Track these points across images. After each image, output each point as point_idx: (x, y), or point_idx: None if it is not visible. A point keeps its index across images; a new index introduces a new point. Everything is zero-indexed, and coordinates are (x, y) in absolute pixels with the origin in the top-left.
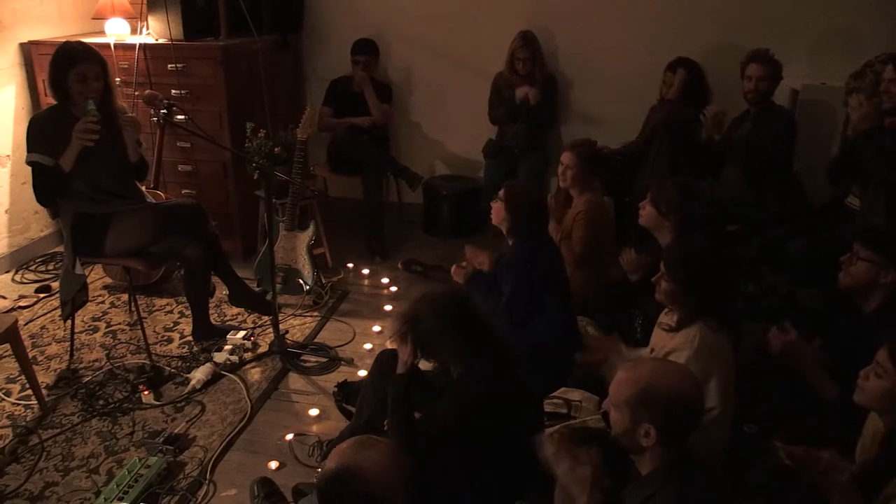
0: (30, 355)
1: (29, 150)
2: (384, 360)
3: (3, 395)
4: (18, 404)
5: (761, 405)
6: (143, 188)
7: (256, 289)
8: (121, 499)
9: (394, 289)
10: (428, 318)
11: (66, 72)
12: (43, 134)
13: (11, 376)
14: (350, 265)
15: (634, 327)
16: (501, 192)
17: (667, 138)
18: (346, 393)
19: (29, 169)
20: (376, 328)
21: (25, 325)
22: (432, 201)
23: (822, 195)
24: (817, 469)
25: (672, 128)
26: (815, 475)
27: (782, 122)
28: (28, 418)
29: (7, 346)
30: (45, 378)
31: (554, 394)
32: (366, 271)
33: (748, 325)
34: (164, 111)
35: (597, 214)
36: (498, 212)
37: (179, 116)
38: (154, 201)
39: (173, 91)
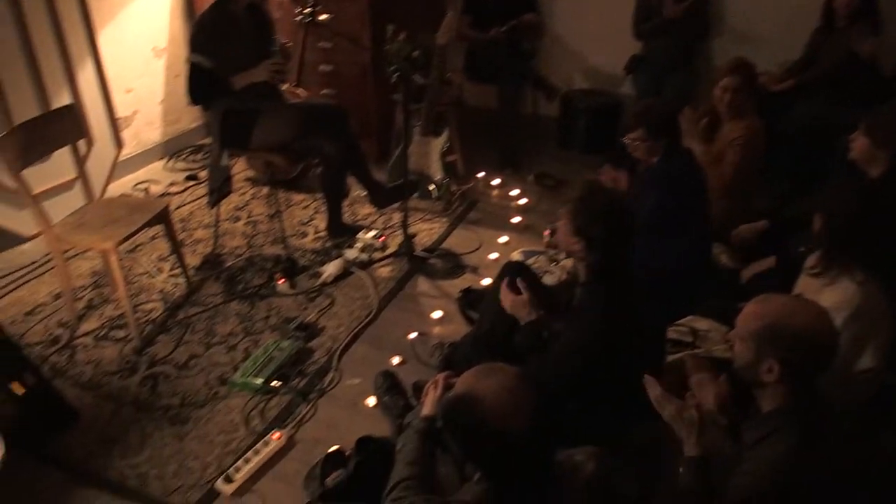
0: (179, 238)
1: (192, 50)
2: (508, 271)
3: (156, 271)
4: (168, 281)
5: None
6: (285, 87)
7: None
8: (256, 375)
9: (523, 201)
10: (595, 203)
11: None
12: (207, 35)
13: (162, 255)
14: (481, 174)
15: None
16: (636, 132)
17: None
18: (470, 299)
19: (182, 61)
20: (503, 239)
21: (175, 209)
22: (569, 115)
23: None
24: None
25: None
26: None
27: None
28: (176, 295)
29: (160, 227)
30: (191, 260)
31: (681, 321)
32: (496, 181)
33: None
34: (310, 9)
35: (756, 142)
36: (639, 147)
37: (323, 16)
38: (295, 101)
39: None
